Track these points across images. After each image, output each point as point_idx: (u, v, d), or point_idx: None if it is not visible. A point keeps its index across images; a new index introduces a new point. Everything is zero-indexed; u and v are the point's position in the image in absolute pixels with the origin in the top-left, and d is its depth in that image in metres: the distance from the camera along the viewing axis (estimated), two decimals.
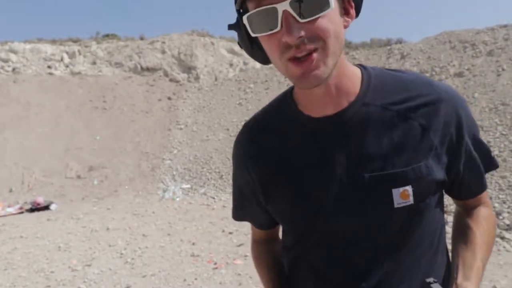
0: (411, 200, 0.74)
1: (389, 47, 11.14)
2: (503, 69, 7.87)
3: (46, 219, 7.31)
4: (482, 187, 0.88)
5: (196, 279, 4.14)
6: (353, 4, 0.73)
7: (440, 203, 0.86)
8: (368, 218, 0.76)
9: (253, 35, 0.70)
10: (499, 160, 6.02)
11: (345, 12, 0.72)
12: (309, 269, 0.85)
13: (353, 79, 0.78)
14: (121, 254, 5.04)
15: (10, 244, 5.70)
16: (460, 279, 0.75)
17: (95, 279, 4.25)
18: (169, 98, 13.94)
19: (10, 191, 9.54)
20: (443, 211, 0.89)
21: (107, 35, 19.34)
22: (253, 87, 12.40)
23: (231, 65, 15.88)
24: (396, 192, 0.73)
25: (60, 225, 6.76)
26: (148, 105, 13.51)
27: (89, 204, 8.65)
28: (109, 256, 5.00)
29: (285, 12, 0.64)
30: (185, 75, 15.70)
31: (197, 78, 15.48)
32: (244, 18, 0.69)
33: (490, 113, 7.08)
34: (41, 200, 8.49)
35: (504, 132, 6.48)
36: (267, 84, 12.29)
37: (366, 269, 0.78)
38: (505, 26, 9.25)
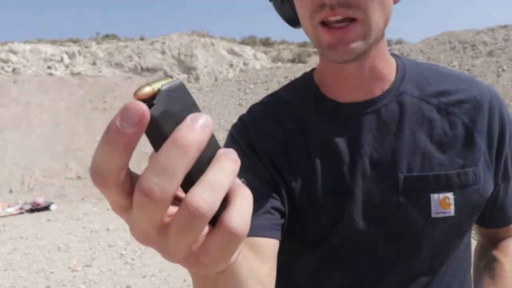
0: (452, 210, 0.61)
1: (389, 48, 11.14)
2: (503, 70, 7.87)
3: (46, 219, 7.31)
4: None
5: None
6: None
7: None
8: (398, 227, 0.63)
9: None
10: None
11: None
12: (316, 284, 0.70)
13: (390, 65, 0.66)
14: (121, 254, 5.04)
15: (10, 244, 5.70)
16: None
17: (95, 279, 4.25)
18: None
19: (10, 191, 9.54)
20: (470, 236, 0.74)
21: (107, 36, 19.36)
22: (253, 88, 12.41)
23: (231, 65, 15.88)
24: (436, 199, 0.61)
25: (60, 226, 6.76)
26: None
27: (89, 204, 8.65)
28: (109, 256, 5.00)
29: None
30: (185, 76, 15.70)
31: (197, 78, 15.48)
32: None
33: None
34: (41, 200, 8.49)
35: None
36: (267, 84, 12.30)
37: (402, 285, 0.65)
38: (505, 26, 9.26)
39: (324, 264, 0.67)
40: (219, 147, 0.29)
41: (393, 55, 0.70)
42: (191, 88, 14.61)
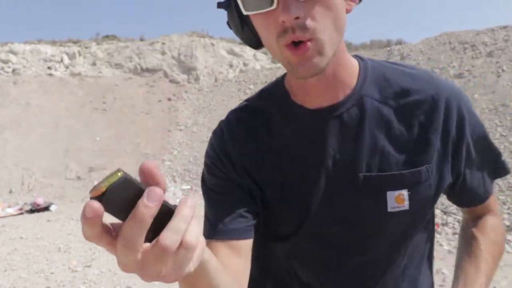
0: (406, 205, 0.68)
1: (389, 48, 11.15)
2: (503, 70, 7.87)
3: (46, 220, 7.31)
4: (485, 193, 0.80)
5: None
6: None
7: (433, 212, 0.80)
8: (359, 221, 0.70)
9: (245, 13, 0.62)
10: None
11: None
12: (291, 274, 0.77)
13: (351, 70, 0.71)
14: None
15: (10, 245, 5.70)
16: None
17: (95, 280, 4.25)
18: (169, 99, 13.95)
19: (10, 192, 9.54)
20: (433, 222, 0.81)
21: (107, 36, 19.36)
22: (253, 88, 12.41)
23: (231, 66, 15.88)
24: (391, 195, 0.67)
25: (60, 226, 6.76)
26: (148, 106, 13.52)
27: None
28: (109, 257, 5.00)
29: None
30: (185, 76, 15.70)
31: (197, 79, 15.48)
32: None
33: (490, 114, 7.08)
34: (41, 201, 8.49)
35: (504, 133, 6.48)
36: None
37: (351, 277, 0.73)
38: (505, 27, 9.26)
39: (291, 254, 0.75)
40: (171, 208, 0.41)
41: (356, 56, 0.74)
42: (191, 89, 14.61)
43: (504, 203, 5.31)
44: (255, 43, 0.70)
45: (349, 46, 18.01)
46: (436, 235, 5.20)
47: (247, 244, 0.70)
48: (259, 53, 16.87)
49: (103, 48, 17.02)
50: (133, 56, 16.12)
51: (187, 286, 0.57)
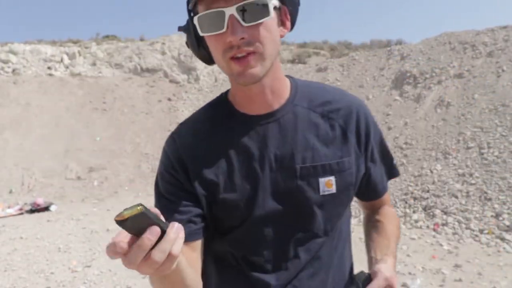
0: (334, 189, 0.85)
1: (389, 48, 11.15)
2: (503, 70, 7.87)
3: (46, 220, 7.31)
4: (384, 189, 1.01)
5: None
6: (289, 17, 0.83)
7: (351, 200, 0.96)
8: (298, 202, 0.85)
9: (201, 34, 0.78)
10: (499, 161, 6.02)
11: (282, 23, 0.82)
12: (237, 255, 0.89)
13: (285, 84, 0.89)
14: None
15: (10, 245, 5.70)
16: (379, 256, 0.90)
17: (95, 280, 4.25)
18: (169, 99, 13.95)
19: (10, 192, 9.54)
20: (350, 208, 0.99)
21: (107, 36, 19.36)
22: None
23: None
24: (322, 181, 0.84)
25: (60, 226, 6.76)
26: (148, 106, 13.52)
27: (89, 205, 8.65)
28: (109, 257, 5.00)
29: (231, 16, 0.73)
30: (185, 76, 15.70)
31: (197, 79, 15.48)
32: (195, 18, 0.77)
33: (490, 114, 7.08)
34: (41, 201, 8.49)
35: (504, 133, 6.48)
36: None
37: (294, 251, 0.87)
38: (505, 27, 9.26)
39: (239, 240, 0.88)
40: (166, 227, 0.57)
41: (287, 76, 0.92)
42: (191, 89, 14.61)
43: (504, 203, 5.31)
44: (208, 60, 0.86)
45: (349, 46, 18.01)
46: (436, 235, 5.21)
47: (198, 243, 0.86)
48: None
49: (103, 48, 17.02)
50: (133, 56, 16.12)
51: (162, 278, 0.72)
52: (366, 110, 0.92)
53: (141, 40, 17.69)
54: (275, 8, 0.78)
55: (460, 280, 3.82)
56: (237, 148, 0.86)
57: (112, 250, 0.55)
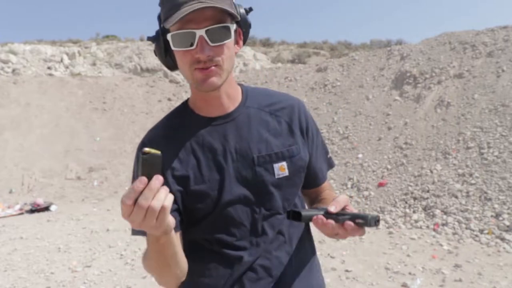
0: (286, 172, 1.02)
1: (389, 48, 11.14)
2: (503, 70, 7.87)
3: (46, 220, 7.31)
4: (324, 177, 1.19)
5: None
6: (242, 38, 1.02)
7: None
8: (258, 185, 1.00)
9: (173, 48, 0.93)
10: (498, 161, 6.02)
11: (236, 42, 1.00)
12: (211, 239, 1.02)
13: (237, 91, 1.07)
14: (121, 255, 5.04)
15: (10, 245, 5.70)
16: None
17: (95, 280, 4.25)
18: (169, 99, 13.95)
19: (10, 192, 9.54)
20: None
21: (107, 36, 19.37)
22: None
23: None
24: (276, 167, 1.01)
25: (60, 226, 6.76)
26: (148, 106, 13.52)
27: (89, 205, 8.65)
28: (109, 257, 5.00)
29: (201, 36, 0.89)
30: None
31: None
32: (169, 35, 0.92)
33: (490, 114, 7.08)
34: (41, 201, 8.49)
35: (504, 133, 6.49)
36: (266, 85, 12.30)
37: (261, 228, 1.02)
38: (505, 27, 9.26)
39: (212, 226, 1.01)
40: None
41: (239, 84, 1.10)
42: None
43: (504, 203, 5.31)
44: (173, 67, 1.02)
45: (349, 46, 18.01)
46: (436, 235, 5.21)
47: (177, 236, 0.97)
48: (259, 53, 16.86)
49: (103, 48, 17.02)
50: (133, 56, 16.12)
51: (158, 252, 0.88)
52: (304, 108, 1.12)
53: (141, 40, 17.70)
54: (234, 30, 0.95)
55: (460, 280, 3.82)
56: (202, 145, 1.01)
57: (128, 195, 0.70)
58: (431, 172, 6.56)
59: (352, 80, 10.48)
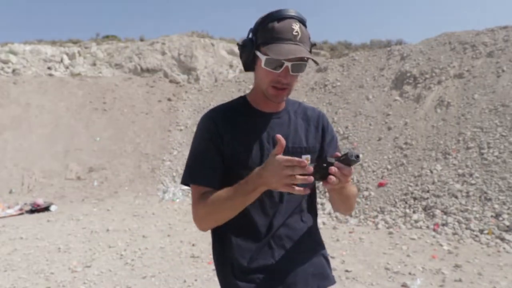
0: (309, 163, 1.19)
1: (389, 48, 11.14)
2: (503, 71, 7.87)
3: (46, 220, 7.31)
4: None
5: (196, 280, 4.14)
6: None
7: None
8: None
9: (263, 67, 1.18)
10: (499, 161, 6.02)
11: None
12: (247, 216, 1.25)
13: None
14: (121, 255, 5.04)
15: (10, 245, 5.70)
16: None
17: (95, 280, 4.25)
18: (169, 99, 13.95)
19: (10, 192, 9.54)
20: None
21: (107, 36, 19.37)
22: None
23: (231, 66, 15.88)
24: (304, 157, 1.22)
25: (60, 226, 6.76)
26: (148, 106, 13.52)
27: (89, 205, 8.65)
28: (109, 257, 5.00)
29: (286, 66, 1.16)
30: (185, 76, 15.70)
31: (197, 79, 15.49)
32: (264, 57, 1.17)
33: (490, 114, 7.08)
34: (41, 201, 8.49)
35: (504, 133, 6.48)
36: None
37: (290, 198, 1.30)
38: (505, 27, 9.26)
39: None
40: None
41: None
42: (191, 89, 14.61)
43: (504, 203, 5.31)
44: (249, 70, 1.27)
45: (350, 46, 18.01)
46: (436, 235, 5.21)
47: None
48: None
49: (103, 48, 17.02)
50: (133, 56, 16.12)
51: (244, 204, 1.15)
52: (326, 118, 1.44)
53: (141, 40, 17.70)
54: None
55: (460, 280, 3.82)
56: (253, 130, 1.28)
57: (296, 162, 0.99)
58: (431, 172, 6.56)
59: (352, 80, 10.47)
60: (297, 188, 1.01)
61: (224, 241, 1.32)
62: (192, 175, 1.26)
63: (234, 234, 1.30)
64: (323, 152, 1.40)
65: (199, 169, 1.25)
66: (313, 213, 1.43)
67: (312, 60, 1.17)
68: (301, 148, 1.31)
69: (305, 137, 1.34)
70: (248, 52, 1.22)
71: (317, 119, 1.40)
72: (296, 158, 0.99)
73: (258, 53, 1.18)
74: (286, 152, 1.16)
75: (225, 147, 1.25)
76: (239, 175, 1.17)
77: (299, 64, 1.17)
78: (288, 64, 1.15)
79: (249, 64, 1.25)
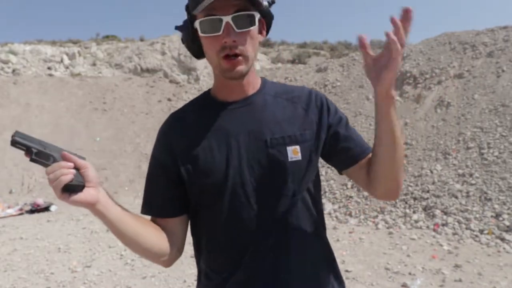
0: (299, 156, 1.01)
1: None
2: (503, 71, 7.87)
3: (46, 220, 7.31)
4: (368, 147, 1.10)
5: (196, 280, 4.14)
6: (265, 28, 1.07)
7: (318, 177, 1.12)
8: (270, 169, 1.00)
9: (201, 35, 0.97)
10: (499, 161, 6.02)
11: (260, 32, 1.04)
12: (223, 224, 1.03)
13: (257, 80, 1.11)
14: (121, 255, 5.04)
15: (10, 245, 5.70)
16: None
17: (95, 280, 4.25)
18: (169, 99, 13.95)
19: (10, 192, 9.54)
20: (319, 176, 1.13)
21: (107, 36, 19.37)
22: None
23: None
24: (290, 150, 1.01)
25: (60, 227, 6.76)
26: (148, 106, 13.52)
27: None
28: (109, 257, 5.00)
29: (227, 23, 0.93)
30: (185, 76, 15.70)
31: (197, 79, 15.48)
32: (197, 22, 0.97)
33: (490, 114, 7.08)
34: (41, 201, 8.49)
35: (504, 134, 6.49)
36: None
37: (270, 213, 1.01)
38: (505, 27, 9.26)
39: (223, 210, 1.02)
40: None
41: (261, 77, 1.14)
42: (191, 89, 14.61)
43: (504, 203, 5.31)
44: (199, 55, 1.06)
45: (349, 46, 18.01)
46: (436, 235, 5.21)
47: (171, 221, 1.08)
48: (259, 54, 16.85)
49: (103, 48, 17.02)
50: (133, 56, 16.12)
51: (118, 234, 0.97)
52: (322, 95, 1.13)
53: (141, 40, 17.71)
54: (258, 20, 0.99)
55: (460, 280, 3.82)
56: (216, 128, 1.04)
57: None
58: (431, 172, 6.56)
59: (352, 80, 10.48)
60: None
61: None
62: (145, 206, 1.13)
63: None
64: (334, 145, 1.08)
65: (152, 201, 1.11)
66: None
67: (251, 1, 0.94)
68: (283, 138, 1.02)
69: (288, 123, 1.04)
70: (187, 31, 1.02)
71: (308, 98, 1.09)
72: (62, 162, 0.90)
73: (196, 24, 0.97)
74: (265, 147, 1.00)
75: (178, 164, 1.03)
76: (202, 186, 1.02)
77: (242, 15, 0.94)
78: (226, 19, 0.92)
79: (194, 46, 1.04)
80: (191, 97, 14.05)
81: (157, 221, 1.09)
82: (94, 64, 16.07)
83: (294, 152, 1.01)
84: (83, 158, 0.98)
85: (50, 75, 14.83)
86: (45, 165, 0.90)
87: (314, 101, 1.09)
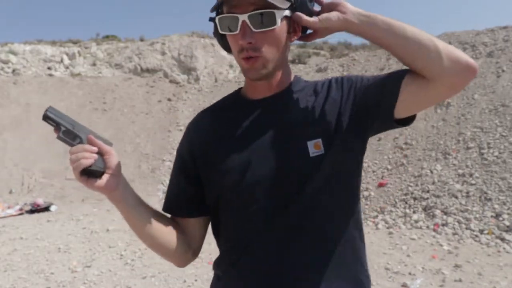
0: (322, 150, 0.92)
1: None
2: (503, 71, 7.87)
3: (46, 220, 7.31)
4: (401, 74, 0.94)
5: (196, 280, 4.14)
6: (301, 28, 0.98)
7: (357, 161, 1.00)
8: (290, 166, 0.93)
9: (220, 32, 0.93)
10: (499, 161, 6.02)
11: (293, 30, 0.97)
12: (241, 221, 0.98)
13: (288, 77, 1.04)
14: (121, 255, 5.04)
15: (10, 245, 5.70)
16: None
17: (95, 280, 4.25)
18: (169, 99, 13.95)
19: (10, 192, 9.54)
20: (360, 174, 1.02)
21: (107, 36, 19.36)
22: None
23: (231, 66, 15.87)
24: (311, 144, 0.93)
25: (60, 227, 6.76)
26: (148, 106, 13.52)
27: (89, 205, 8.65)
28: (109, 257, 5.00)
29: (243, 22, 0.88)
30: (185, 76, 15.69)
31: (197, 79, 15.47)
32: (217, 18, 0.92)
33: (490, 114, 7.08)
34: (41, 201, 8.49)
35: (504, 134, 6.48)
36: None
37: (293, 205, 0.93)
38: (505, 27, 9.26)
39: (241, 211, 0.97)
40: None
41: (296, 75, 1.08)
42: (191, 89, 14.61)
43: (504, 203, 5.31)
44: (228, 49, 1.00)
45: (349, 46, 17.99)
46: (436, 235, 5.21)
47: (188, 221, 1.06)
48: None
49: (103, 48, 17.01)
50: (133, 56, 16.11)
51: (132, 225, 0.97)
52: (342, 77, 1.04)
53: (141, 40, 17.69)
54: (286, 17, 0.92)
55: (460, 280, 3.82)
56: (237, 126, 1.00)
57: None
58: (431, 172, 6.56)
59: None
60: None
61: None
62: (165, 204, 1.08)
63: None
64: (366, 117, 0.95)
65: (171, 199, 1.08)
66: None
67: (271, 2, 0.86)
68: (304, 133, 0.95)
69: (310, 117, 0.97)
70: (215, 30, 0.97)
71: (326, 84, 1.02)
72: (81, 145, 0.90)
73: (216, 20, 0.94)
74: (284, 142, 0.95)
75: (197, 162, 1.02)
76: (220, 186, 0.99)
77: (259, 13, 0.87)
78: (243, 17, 0.87)
79: (223, 41, 0.99)
80: (191, 97, 14.09)
81: (176, 220, 1.06)
82: (94, 64, 16.07)
83: (316, 147, 0.92)
84: (110, 144, 0.95)
85: (50, 75, 14.83)
86: (71, 145, 0.90)
87: (334, 83, 1.01)
